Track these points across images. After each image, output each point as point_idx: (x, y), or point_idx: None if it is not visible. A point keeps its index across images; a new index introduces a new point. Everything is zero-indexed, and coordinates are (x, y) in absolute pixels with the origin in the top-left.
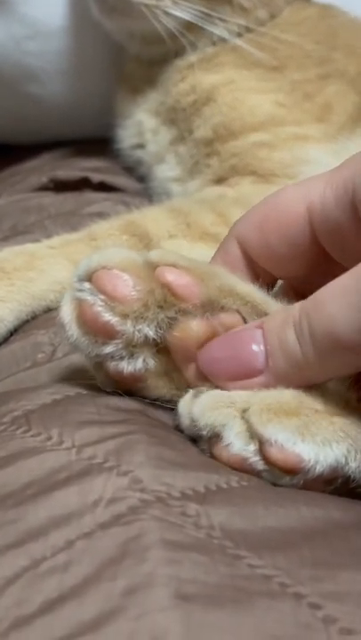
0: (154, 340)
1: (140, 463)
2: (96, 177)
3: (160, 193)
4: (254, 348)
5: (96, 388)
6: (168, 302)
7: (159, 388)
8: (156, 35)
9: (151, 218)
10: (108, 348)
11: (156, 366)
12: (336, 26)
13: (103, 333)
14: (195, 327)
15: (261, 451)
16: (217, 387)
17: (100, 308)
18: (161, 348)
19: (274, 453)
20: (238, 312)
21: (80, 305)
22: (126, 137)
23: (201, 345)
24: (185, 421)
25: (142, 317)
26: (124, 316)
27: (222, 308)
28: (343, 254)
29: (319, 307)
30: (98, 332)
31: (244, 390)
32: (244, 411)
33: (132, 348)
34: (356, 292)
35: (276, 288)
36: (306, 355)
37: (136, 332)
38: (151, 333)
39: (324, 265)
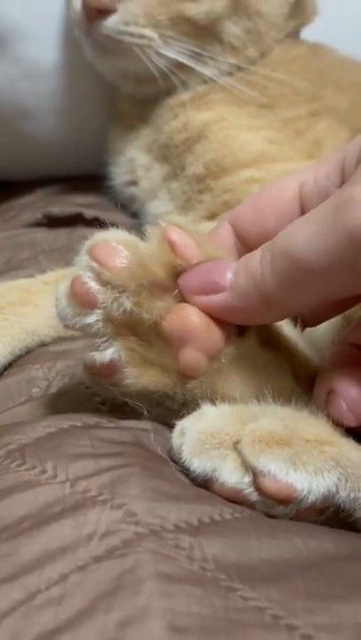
0: (134, 323)
1: (133, 496)
2: (89, 213)
3: None
4: (228, 274)
5: (90, 422)
6: (156, 281)
7: (139, 377)
8: (148, 74)
9: None
10: (89, 319)
11: (132, 356)
12: (325, 64)
13: (85, 302)
14: (192, 313)
15: (255, 482)
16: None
17: (88, 277)
18: (143, 335)
19: (267, 484)
20: None
21: (73, 279)
22: (119, 174)
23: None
24: (178, 458)
25: (124, 288)
26: (106, 284)
27: None
28: None
29: (287, 230)
30: (81, 299)
31: (205, 306)
32: (237, 442)
33: (110, 324)
34: (324, 212)
35: None
36: (263, 272)
37: (115, 303)
38: (128, 306)
39: None
